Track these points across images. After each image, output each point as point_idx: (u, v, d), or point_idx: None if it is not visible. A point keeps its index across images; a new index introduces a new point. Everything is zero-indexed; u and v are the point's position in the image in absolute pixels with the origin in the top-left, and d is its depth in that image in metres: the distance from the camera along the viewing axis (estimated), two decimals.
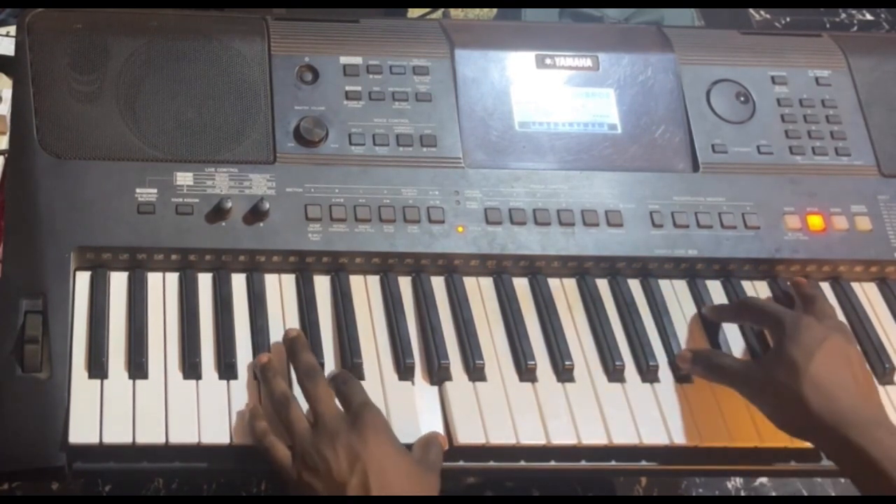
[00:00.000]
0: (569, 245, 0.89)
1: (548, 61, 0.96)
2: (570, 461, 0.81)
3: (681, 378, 0.85)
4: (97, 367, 0.78)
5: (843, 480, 1.30)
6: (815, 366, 0.76)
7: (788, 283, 0.90)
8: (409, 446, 0.77)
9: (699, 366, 0.83)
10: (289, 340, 0.81)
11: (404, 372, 0.82)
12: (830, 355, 0.77)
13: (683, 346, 0.87)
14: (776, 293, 0.91)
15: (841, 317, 0.90)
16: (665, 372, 0.85)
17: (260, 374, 0.79)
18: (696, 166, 0.93)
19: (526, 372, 0.83)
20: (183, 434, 0.76)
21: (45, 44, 0.90)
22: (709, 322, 0.88)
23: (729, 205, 0.92)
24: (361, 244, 0.86)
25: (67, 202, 0.84)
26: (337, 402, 0.77)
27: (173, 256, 0.85)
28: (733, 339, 0.88)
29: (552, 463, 0.81)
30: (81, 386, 0.77)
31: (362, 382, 0.80)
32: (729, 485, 1.34)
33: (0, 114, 1.06)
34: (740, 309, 0.87)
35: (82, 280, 0.83)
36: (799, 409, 0.76)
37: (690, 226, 0.90)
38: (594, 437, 0.80)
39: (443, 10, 1.33)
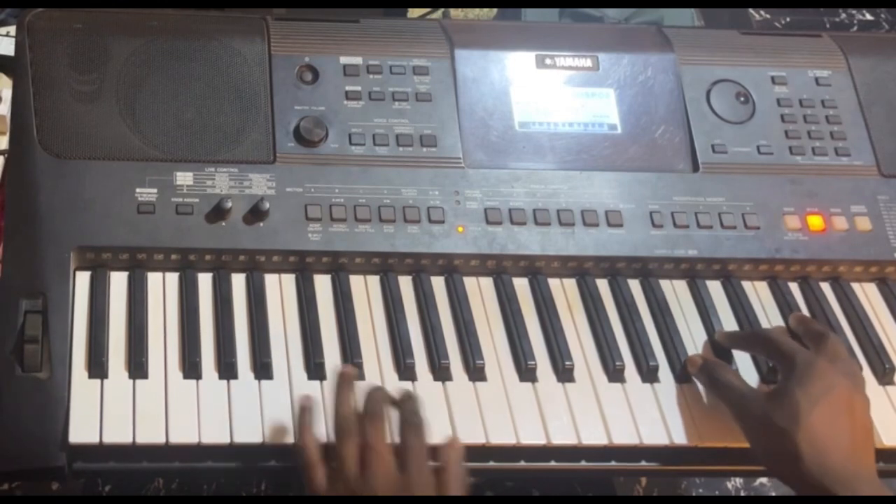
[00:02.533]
0: (569, 245, 0.89)
1: (548, 61, 0.96)
2: (570, 461, 0.81)
3: (681, 378, 0.85)
4: (97, 367, 0.78)
5: None
6: (816, 417, 0.75)
7: (792, 319, 0.88)
8: None
9: (704, 375, 0.83)
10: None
11: (404, 372, 0.82)
12: (834, 407, 0.76)
13: (683, 346, 0.87)
14: (784, 312, 0.90)
15: (841, 317, 0.90)
16: (665, 372, 0.85)
17: (336, 386, 0.76)
18: (696, 166, 0.93)
19: (526, 372, 0.83)
20: (183, 434, 0.76)
21: (45, 44, 0.90)
22: (718, 343, 0.87)
23: (729, 205, 0.92)
24: (361, 244, 0.86)
25: (67, 202, 0.84)
26: (390, 455, 0.72)
27: (173, 256, 0.85)
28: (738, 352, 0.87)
29: (552, 463, 0.81)
30: (81, 386, 0.77)
31: (362, 383, 0.80)
32: (729, 485, 1.33)
33: (0, 114, 1.06)
34: (754, 339, 0.86)
35: (82, 280, 0.83)
36: (789, 457, 0.75)
37: (690, 226, 0.90)
38: (594, 437, 0.80)
39: (443, 10, 1.33)
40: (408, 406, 0.75)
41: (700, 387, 0.84)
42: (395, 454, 0.73)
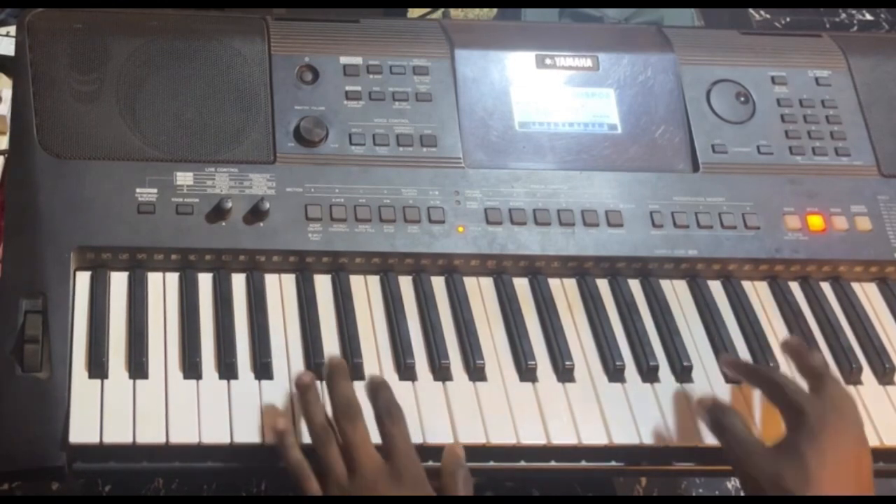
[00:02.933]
0: (569, 245, 0.89)
1: (548, 61, 0.96)
2: (570, 461, 0.81)
3: (681, 378, 0.85)
4: (97, 367, 0.78)
5: None
6: (827, 478, 0.71)
7: (783, 347, 0.86)
8: (417, 447, 0.76)
9: (711, 418, 0.79)
10: (329, 367, 0.78)
11: (405, 372, 0.82)
12: (842, 467, 0.73)
13: (684, 346, 0.86)
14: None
15: (841, 317, 0.90)
16: (665, 372, 0.85)
17: (299, 398, 0.77)
18: (696, 166, 0.93)
19: (526, 372, 0.83)
20: (183, 434, 0.76)
21: (45, 44, 0.90)
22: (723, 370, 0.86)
23: (729, 205, 0.92)
24: (361, 244, 0.86)
25: (67, 202, 0.84)
26: (373, 448, 0.74)
27: (173, 256, 0.85)
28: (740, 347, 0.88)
29: (552, 463, 0.81)
30: (81, 386, 0.77)
31: (362, 383, 0.80)
32: (729, 485, 1.33)
33: (0, 114, 1.06)
34: (760, 378, 0.82)
35: (82, 280, 0.83)
36: None
37: (690, 226, 0.90)
38: (594, 437, 0.80)
39: (443, 10, 1.33)
40: (381, 395, 0.76)
41: (700, 387, 0.84)
42: (379, 445, 0.74)
